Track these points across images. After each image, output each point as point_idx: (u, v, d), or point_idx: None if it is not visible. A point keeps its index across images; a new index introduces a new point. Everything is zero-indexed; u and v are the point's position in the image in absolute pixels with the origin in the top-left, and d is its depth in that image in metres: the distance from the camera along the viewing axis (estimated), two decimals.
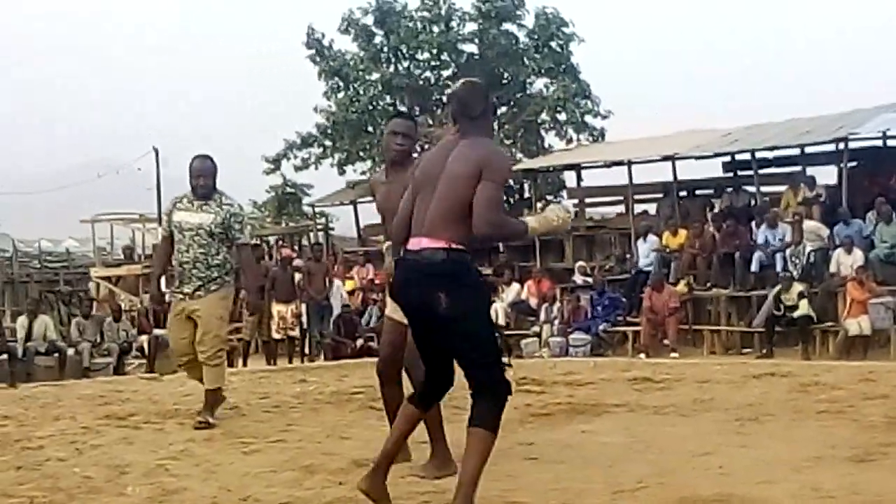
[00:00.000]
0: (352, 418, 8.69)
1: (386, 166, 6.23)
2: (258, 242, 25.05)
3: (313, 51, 28.34)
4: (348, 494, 5.56)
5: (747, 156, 21.10)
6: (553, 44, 28.08)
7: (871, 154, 20.54)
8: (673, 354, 16.95)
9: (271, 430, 8.01)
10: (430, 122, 27.20)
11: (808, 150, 20.85)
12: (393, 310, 5.79)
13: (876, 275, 16.84)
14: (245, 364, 17.59)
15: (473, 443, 4.79)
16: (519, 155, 28.45)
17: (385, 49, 28.55)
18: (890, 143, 20.69)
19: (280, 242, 28.25)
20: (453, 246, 4.75)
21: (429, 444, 6.05)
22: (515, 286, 20.86)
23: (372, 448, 6.95)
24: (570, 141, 28.49)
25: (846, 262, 16.80)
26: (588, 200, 25.43)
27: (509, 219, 5.09)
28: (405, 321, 5.29)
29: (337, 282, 20.79)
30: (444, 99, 28.92)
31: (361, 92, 28.09)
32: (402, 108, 28.38)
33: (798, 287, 16.71)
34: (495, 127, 28.80)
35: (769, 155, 21.43)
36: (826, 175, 20.45)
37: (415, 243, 4.85)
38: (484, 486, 4.89)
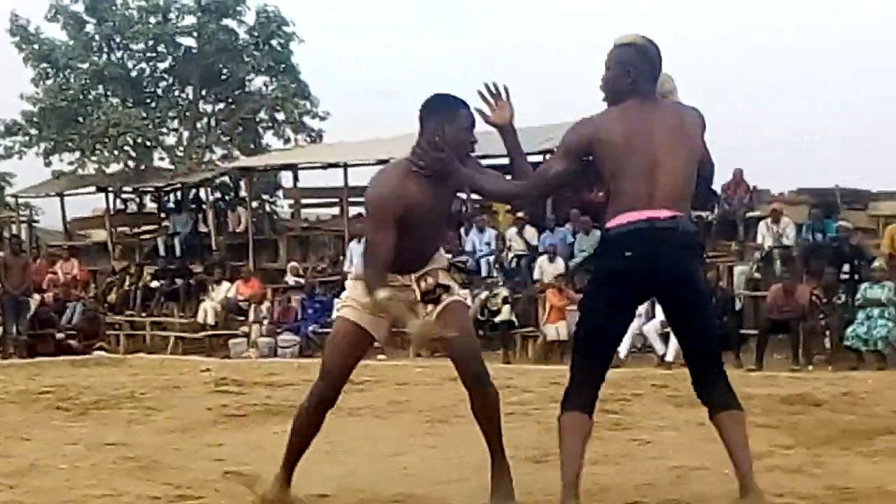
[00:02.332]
0: (36, 419, 8.35)
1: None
2: None
3: (18, 38, 26.97)
4: (19, 499, 5.28)
5: None
6: (273, 42, 27.79)
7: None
8: (381, 356, 17.07)
9: None
10: None
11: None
12: (360, 316, 4.84)
13: (575, 283, 17.58)
14: None
15: (741, 427, 4.57)
16: (236, 153, 28.09)
17: (97, 38, 27.51)
18: None
19: None
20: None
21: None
22: (226, 285, 20.56)
23: (53, 450, 6.69)
24: (287, 141, 28.34)
25: (548, 269, 17.43)
26: (304, 201, 25.37)
27: None
28: (376, 331, 4.85)
29: None
30: (160, 91, 28.23)
31: (72, 80, 26.97)
32: (114, 99, 27.49)
33: (503, 292, 17.20)
34: (212, 124, 28.49)
35: (482, 163, 21.95)
36: None
37: (654, 214, 4.35)
38: (156, 489, 4.75)
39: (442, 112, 4.80)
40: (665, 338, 15.24)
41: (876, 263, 15.42)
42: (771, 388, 9.66)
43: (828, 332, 15.04)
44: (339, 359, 4.82)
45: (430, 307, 4.81)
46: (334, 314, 4.88)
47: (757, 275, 16.86)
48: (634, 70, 4.49)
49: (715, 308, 4.80)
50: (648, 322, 15.61)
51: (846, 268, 15.75)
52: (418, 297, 4.80)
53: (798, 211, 18.13)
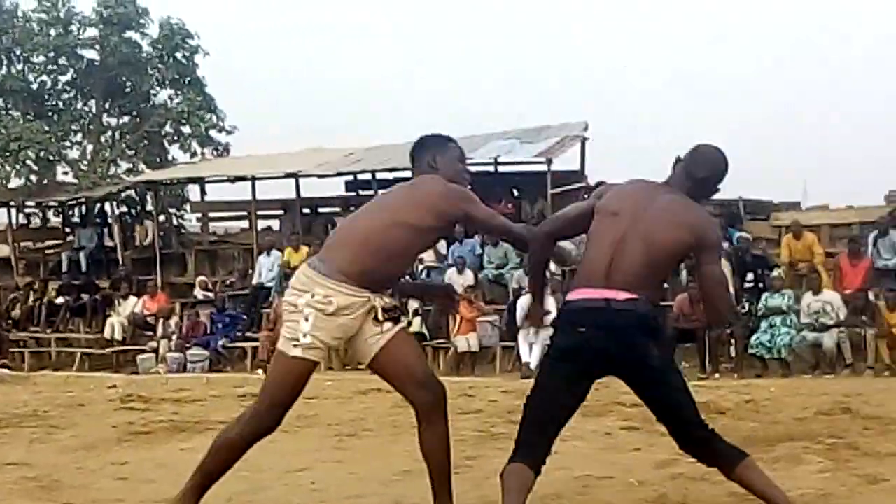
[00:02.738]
0: None
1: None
2: None
3: None
4: None
5: (369, 176, 21.56)
6: (178, 55, 27.53)
7: (483, 180, 21.53)
8: None
9: None
10: None
11: None
12: (324, 356, 4.78)
13: (485, 294, 17.68)
14: None
15: (759, 472, 4.63)
16: (142, 166, 27.73)
17: None
18: (500, 168, 21.80)
19: None
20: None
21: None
22: (133, 299, 20.29)
23: None
24: (194, 154, 28.04)
25: (458, 280, 17.46)
26: (211, 214, 25.14)
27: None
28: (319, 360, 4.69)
29: None
30: (62, 104, 27.80)
31: None
32: (15, 113, 27.00)
33: (413, 305, 17.20)
34: (116, 137, 28.11)
35: (390, 176, 22.02)
36: None
37: (610, 294, 4.45)
38: None
39: (432, 147, 5.02)
40: None
41: (775, 273, 15.76)
42: None
43: (733, 341, 15.32)
44: (290, 397, 4.69)
45: (387, 325, 4.74)
46: (292, 351, 4.54)
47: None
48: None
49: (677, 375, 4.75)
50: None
51: (750, 277, 16.06)
52: (379, 314, 4.70)
53: None
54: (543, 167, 19.28)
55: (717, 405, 8.89)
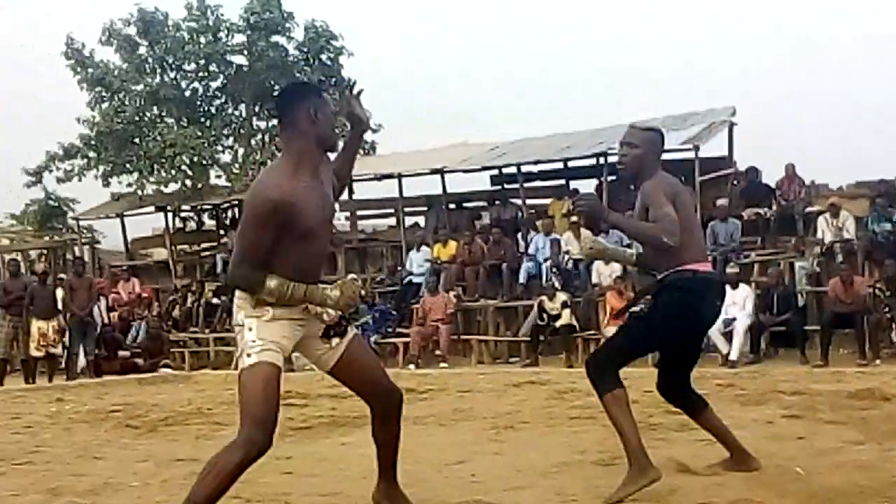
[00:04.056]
0: (106, 437, 8.46)
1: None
2: (15, 257, 24.05)
3: (73, 61, 27.37)
4: None
5: (514, 169, 21.57)
6: (323, 57, 28.04)
7: None
8: (443, 364, 17.15)
9: (19, 451, 7.70)
10: None
11: (570, 163, 21.65)
12: (280, 358, 4.57)
13: (634, 284, 17.50)
14: (1, 383, 16.80)
15: (716, 416, 5.77)
16: None
17: (150, 60, 27.84)
18: None
19: (43, 257, 27.19)
20: None
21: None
22: None
23: (125, 468, 6.78)
24: None
25: (605, 272, 17.37)
26: (360, 213, 25.49)
27: None
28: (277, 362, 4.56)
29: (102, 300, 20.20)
30: (214, 110, 28.53)
31: (127, 102, 27.30)
32: (169, 120, 27.83)
33: (561, 297, 17.15)
34: (266, 140, 28.68)
35: (534, 168, 22.01)
36: (588, 188, 21.07)
37: (707, 266, 5.58)
38: (227, 503, 4.78)
39: (308, 98, 4.70)
40: (728, 337, 15.14)
41: None
42: (838, 384, 9.57)
43: (894, 325, 14.83)
44: (273, 406, 4.50)
45: (335, 340, 4.73)
46: (248, 361, 4.45)
47: (818, 269, 16.67)
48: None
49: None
50: None
51: None
52: (322, 331, 4.70)
53: (857, 204, 17.91)
54: (690, 154, 18.96)
55: (882, 392, 8.65)
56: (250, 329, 4.51)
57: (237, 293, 4.60)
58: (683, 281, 5.31)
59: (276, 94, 4.72)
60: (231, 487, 4.52)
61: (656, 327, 5.43)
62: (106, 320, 20.01)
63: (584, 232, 6.49)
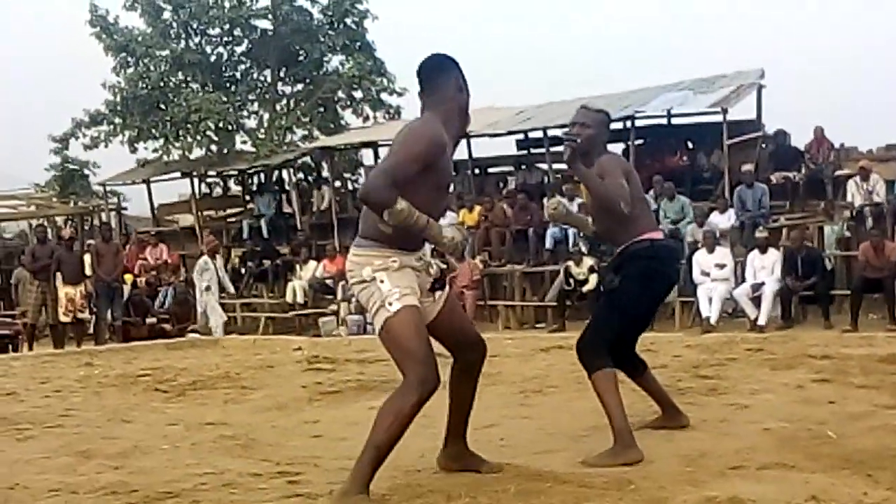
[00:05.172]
0: (135, 401, 8.49)
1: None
2: (42, 223, 24.14)
3: (98, 28, 27.34)
4: (124, 479, 5.37)
5: (540, 133, 21.47)
6: (348, 20, 27.89)
7: (656, 132, 21.22)
8: None
9: (49, 415, 7.74)
10: None
11: None
12: (419, 300, 4.72)
13: None
14: (31, 348, 16.94)
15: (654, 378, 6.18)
16: (316, 133, 28.23)
17: (175, 25, 27.80)
18: (673, 121, 21.42)
19: (70, 223, 27.32)
20: None
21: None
22: (312, 264, 20.74)
23: (154, 431, 6.81)
24: (366, 118, 28.43)
25: None
26: None
27: None
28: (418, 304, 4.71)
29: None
30: (239, 75, 28.54)
31: (151, 68, 27.29)
32: (195, 85, 27.80)
33: (588, 261, 17.08)
34: (291, 105, 28.67)
35: (560, 133, 21.85)
36: (616, 151, 20.93)
37: (660, 234, 6.01)
38: (256, 466, 4.79)
39: (455, 69, 4.93)
40: (756, 301, 15.08)
41: None
42: (869, 348, 9.49)
43: None
44: (429, 344, 4.68)
45: (438, 293, 4.92)
46: (392, 308, 4.56)
47: (847, 234, 16.55)
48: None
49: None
50: (738, 287, 15.45)
51: None
52: (429, 284, 4.87)
53: (888, 168, 17.78)
54: (718, 118, 18.82)
55: None
56: (382, 281, 4.64)
57: (354, 252, 4.74)
58: (644, 250, 5.65)
59: (421, 63, 4.84)
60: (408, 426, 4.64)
61: (637, 294, 5.66)
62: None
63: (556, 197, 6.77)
